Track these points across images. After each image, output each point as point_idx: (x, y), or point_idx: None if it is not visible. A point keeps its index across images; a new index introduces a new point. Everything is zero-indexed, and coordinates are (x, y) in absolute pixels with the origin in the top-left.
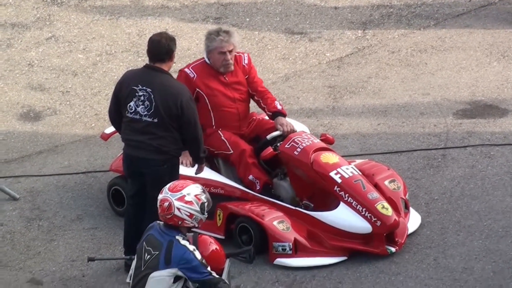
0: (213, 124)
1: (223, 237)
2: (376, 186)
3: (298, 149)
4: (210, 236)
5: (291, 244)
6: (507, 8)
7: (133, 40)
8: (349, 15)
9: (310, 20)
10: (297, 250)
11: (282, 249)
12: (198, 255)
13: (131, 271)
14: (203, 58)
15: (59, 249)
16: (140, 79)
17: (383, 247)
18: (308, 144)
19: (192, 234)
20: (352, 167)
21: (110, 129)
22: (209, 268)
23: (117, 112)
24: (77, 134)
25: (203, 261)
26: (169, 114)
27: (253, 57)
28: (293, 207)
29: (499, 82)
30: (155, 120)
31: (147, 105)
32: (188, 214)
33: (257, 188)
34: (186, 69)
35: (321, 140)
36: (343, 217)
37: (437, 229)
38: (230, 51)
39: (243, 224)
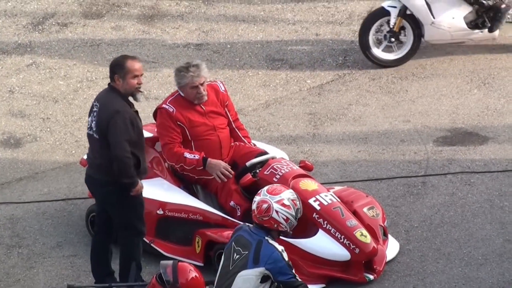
0: None
1: (202, 264)
2: (355, 213)
3: (277, 176)
4: (189, 263)
5: None
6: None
7: None
8: (330, 42)
9: (291, 47)
10: None
11: None
12: (285, 256)
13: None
14: (177, 91)
15: (39, 276)
16: (98, 95)
17: (362, 275)
18: (287, 171)
19: (171, 262)
20: (331, 194)
21: None
22: (293, 271)
23: None
24: (57, 161)
25: (290, 263)
26: (101, 131)
27: (234, 84)
28: None
29: (479, 109)
30: (97, 137)
31: (94, 119)
32: (285, 217)
33: (238, 215)
34: (164, 105)
35: (300, 167)
36: (322, 244)
37: (417, 257)
38: (202, 84)
39: (222, 251)
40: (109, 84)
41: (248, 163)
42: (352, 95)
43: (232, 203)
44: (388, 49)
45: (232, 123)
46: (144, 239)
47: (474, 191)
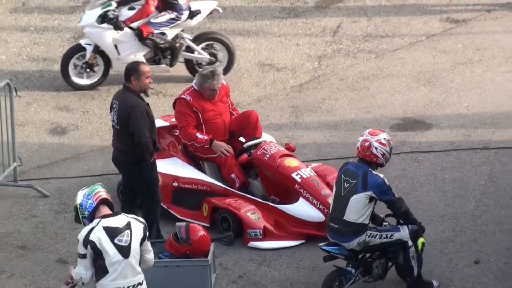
0: None
1: (208, 225)
2: (328, 185)
3: (267, 155)
4: (198, 224)
5: (261, 230)
6: (431, 44)
7: None
8: (307, 50)
9: (277, 54)
10: (266, 235)
11: (254, 234)
12: (386, 181)
13: None
14: (192, 86)
15: None
16: (116, 94)
17: None
18: (275, 151)
19: (184, 223)
20: (309, 170)
21: None
22: (393, 190)
23: None
24: (95, 145)
25: (390, 186)
26: (123, 123)
27: (232, 84)
28: (263, 201)
29: (425, 102)
30: (118, 127)
31: (115, 114)
32: (382, 153)
33: (237, 186)
34: (183, 96)
35: (285, 148)
36: (302, 209)
37: None
38: (218, 88)
39: (224, 214)
40: (124, 85)
41: (245, 145)
42: (326, 92)
43: (233, 175)
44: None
45: (229, 106)
46: (163, 205)
47: (421, 167)
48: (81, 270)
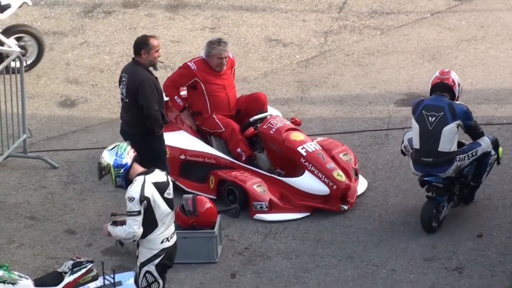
0: (209, 109)
1: (215, 197)
2: (333, 158)
3: (273, 129)
4: (205, 196)
5: (267, 203)
6: (436, 21)
7: None
8: (314, 26)
9: (284, 30)
10: (272, 207)
11: (260, 207)
12: (468, 109)
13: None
14: (201, 56)
15: (89, 206)
16: (125, 68)
17: (338, 206)
18: (281, 125)
19: (191, 195)
20: (314, 143)
21: None
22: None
23: None
24: (103, 117)
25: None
26: (132, 96)
27: (240, 58)
28: (269, 174)
29: (429, 78)
30: (127, 100)
31: (124, 87)
32: (458, 82)
33: (243, 159)
34: (189, 63)
35: (291, 122)
36: (307, 182)
37: (381, 192)
38: (226, 57)
39: (230, 187)
40: (133, 58)
41: (251, 119)
42: (331, 67)
43: (239, 149)
44: None
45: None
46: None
47: None
48: (135, 228)
